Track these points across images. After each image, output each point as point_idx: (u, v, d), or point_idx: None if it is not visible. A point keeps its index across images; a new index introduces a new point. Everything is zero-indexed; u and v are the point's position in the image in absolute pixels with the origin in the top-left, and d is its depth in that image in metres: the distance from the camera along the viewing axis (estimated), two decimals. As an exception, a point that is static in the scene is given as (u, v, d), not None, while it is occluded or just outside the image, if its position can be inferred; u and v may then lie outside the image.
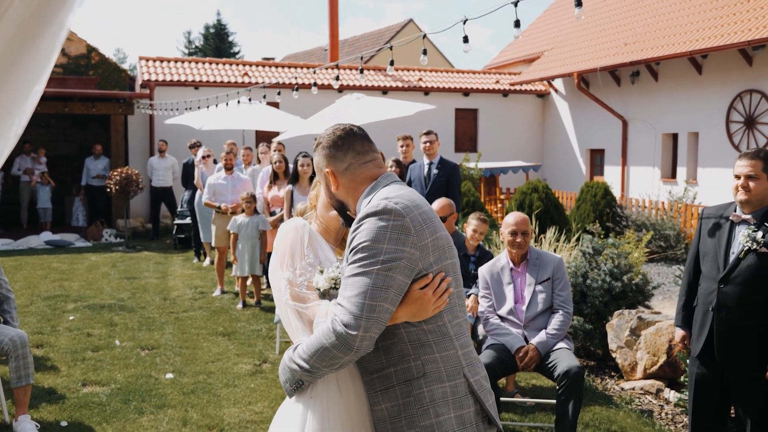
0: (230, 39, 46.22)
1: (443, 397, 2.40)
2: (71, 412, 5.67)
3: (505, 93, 20.92)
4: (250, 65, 20.33)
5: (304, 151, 9.17)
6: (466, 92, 20.56)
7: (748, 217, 4.05)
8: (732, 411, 4.47)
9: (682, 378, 5.76)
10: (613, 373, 6.68)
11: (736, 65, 14.55)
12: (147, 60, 19.23)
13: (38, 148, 17.51)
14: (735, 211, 4.15)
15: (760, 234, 3.96)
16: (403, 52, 22.38)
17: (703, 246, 4.27)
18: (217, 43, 44.98)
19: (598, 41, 18.73)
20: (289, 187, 8.91)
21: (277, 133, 14.99)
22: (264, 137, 16.92)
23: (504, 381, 6.10)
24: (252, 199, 9.36)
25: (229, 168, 10.42)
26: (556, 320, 5.19)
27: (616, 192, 17.20)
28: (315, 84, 10.06)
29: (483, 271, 5.49)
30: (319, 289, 2.59)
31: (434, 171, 8.41)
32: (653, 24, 17.00)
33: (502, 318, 5.34)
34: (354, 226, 2.41)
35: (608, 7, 20.08)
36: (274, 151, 10.57)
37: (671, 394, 5.96)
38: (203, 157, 12.32)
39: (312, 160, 8.93)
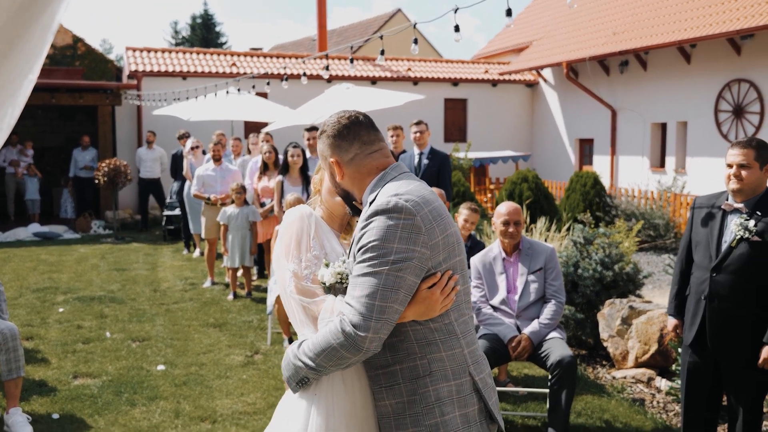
0: (217, 29, 45.94)
1: (449, 396, 2.38)
2: (63, 404, 5.64)
3: (494, 83, 20.91)
4: (238, 55, 20.23)
5: (294, 141, 9.14)
6: (455, 82, 20.53)
7: (740, 206, 4.06)
8: (724, 399, 4.49)
9: (674, 366, 5.80)
10: (604, 362, 6.71)
11: (724, 54, 14.59)
12: (134, 50, 19.09)
13: (25, 140, 17.38)
14: (727, 200, 4.16)
15: (752, 223, 3.97)
16: (392, 42, 22.32)
17: (696, 235, 4.28)
18: (204, 33, 44.70)
19: (586, 31, 18.73)
20: (280, 177, 8.88)
21: (266, 124, 14.93)
22: (253, 128, 16.86)
23: (497, 371, 6.11)
24: (242, 190, 9.33)
25: (217, 159, 10.37)
26: (548, 310, 5.20)
27: (605, 181, 17.24)
28: (305, 74, 10.01)
29: (475, 261, 5.49)
30: (324, 284, 2.55)
31: (425, 161, 8.39)
32: (642, 13, 17.01)
33: (494, 308, 5.34)
34: (362, 223, 2.36)
35: (597, -4, 20.06)
36: (262, 141, 10.54)
37: (662, 383, 5.99)
38: (192, 148, 12.26)
39: (302, 150, 8.95)
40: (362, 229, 2.35)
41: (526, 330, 5.12)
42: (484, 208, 13.68)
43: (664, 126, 16.57)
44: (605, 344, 6.57)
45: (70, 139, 19.49)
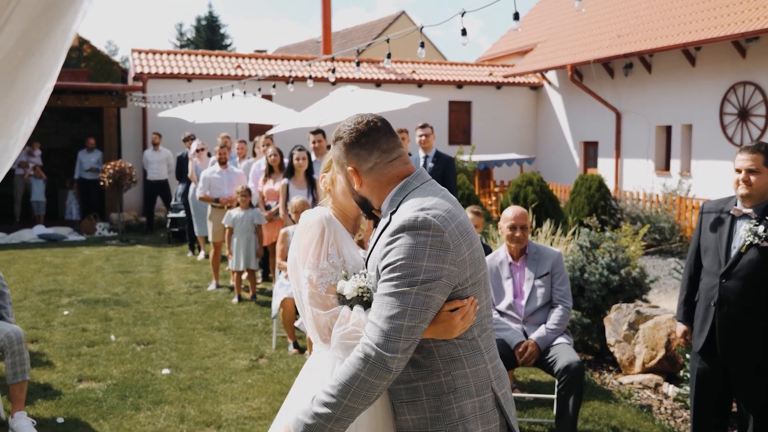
0: (222, 31, 46.03)
1: (472, 413, 2.34)
2: (67, 408, 5.63)
3: (498, 85, 20.89)
4: (243, 57, 20.23)
5: (299, 144, 9.13)
6: (460, 84, 20.51)
7: (749, 211, 4.04)
8: (734, 406, 4.47)
9: (681, 372, 5.77)
10: (611, 368, 6.68)
11: (729, 57, 14.55)
12: (140, 52, 19.11)
13: (32, 141, 17.40)
14: (736, 205, 4.14)
15: (761, 228, 3.95)
16: (397, 45, 22.22)
17: (704, 240, 4.26)
18: (208, 35, 44.79)
19: (591, 33, 18.71)
20: (285, 180, 8.86)
21: (270, 126, 14.93)
22: (258, 130, 16.86)
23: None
24: (247, 192, 9.32)
25: (223, 162, 10.37)
26: (555, 315, 5.17)
27: (610, 185, 17.20)
28: (311, 77, 10.00)
29: (487, 268, 5.46)
30: (345, 296, 2.48)
31: (430, 164, 8.38)
32: (647, 16, 16.98)
33: (501, 313, 5.32)
34: (388, 239, 2.28)
35: (602, -1, 20.04)
36: (263, 145, 10.53)
37: (670, 389, 5.95)
38: (197, 151, 12.26)
39: (307, 153, 8.94)
40: (388, 245, 2.27)
41: (533, 335, 5.09)
42: (488, 211, 13.65)
43: (669, 129, 16.53)
44: (612, 349, 6.54)
45: (75, 140, 19.51)
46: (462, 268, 2.29)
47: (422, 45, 6.62)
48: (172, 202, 15.00)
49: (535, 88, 21.19)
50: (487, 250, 6.31)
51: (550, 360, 4.96)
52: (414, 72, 20.46)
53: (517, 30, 5.32)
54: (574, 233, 9.12)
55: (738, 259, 4.01)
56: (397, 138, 2.49)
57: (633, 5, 18.16)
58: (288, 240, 7.13)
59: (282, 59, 20.67)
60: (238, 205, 9.38)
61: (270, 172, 9.60)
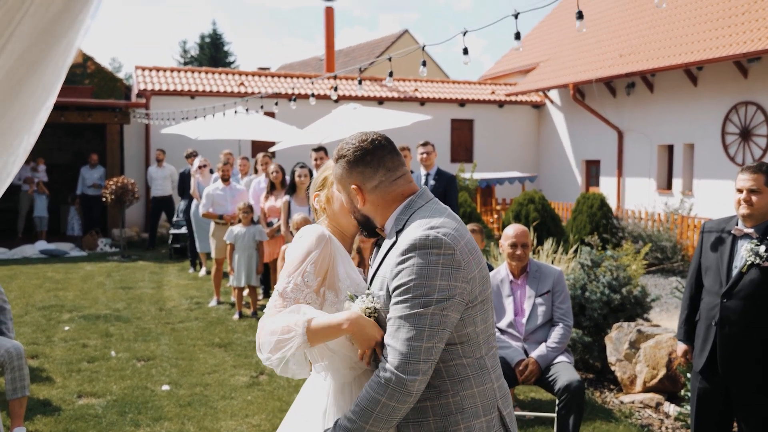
0: (225, 48, 46.21)
1: None
2: (67, 424, 5.61)
3: (500, 104, 20.96)
4: (246, 75, 20.32)
5: (301, 161, 9.15)
6: (462, 103, 20.58)
7: (751, 231, 4.04)
8: (734, 426, 4.44)
9: (682, 392, 5.74)
10: (612, 386, 6.65)
11: (731, 77, 14.60)
12: (143, 69, 19.21)
13: (36, 157, 17.47)
14: (737, 224, 4.14)
15: (762, 248, 3.95)
16: (399, 63, 22.39)
17: (705, 260, 4.26)
18: (212, 53, 44.95)
19: (593, 53, 18.78)
20: (287, 197, 8.88)
21: (273, 143, 14.98)
22: (260, 147, 16.90)
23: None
24: (249, 209, 9.33)
25: (226, 179, 10.40)
26: (556, 333, 5.16)
27: (612, 203, 17.21)
28: (313, 95, 10.05)
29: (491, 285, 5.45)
30: None
31: (431, 182, 8.39)
32: (649, 36, 17.06)
33: (501, 331, 5.31)
34: (398, 258, 2.26)
35: (604, 18, 20.14)
36: (261, 163, 10.56)
37: (671, 408, 5.93)
38: (199, 167, 12.29)
39: (309, 170, 8.96)
40: (399, 264, 2.25)
41: (534, 353, 5.08)
42: (490, 229, 13.65)
43: (671, 148, 16.56)
44: (613, 368, 6.52)
45: (78, 156, 19.58)
46: (473, 286, 2.29)
47: (424, 63, 6.65)
48: (174, 219, 15.02)
49: (538, 106, 21.25)
50: (489, 268, 6.31)
51: (550, 378, 4.95)
52: (416, 90, 20.54)
53: (518, 49, 5.34)
54: (575, 252, 9.11)
55: (739, 279, 4.01)
56: (401, 156, 2.49)
57: (635, 25, 18.25)
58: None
59: (285, 77, 20.76)
60: (239, 221, 9.39)
61: (272, 188, 9.62)
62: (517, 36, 5.17)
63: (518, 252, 5.30)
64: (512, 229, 5.38)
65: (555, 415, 4.87)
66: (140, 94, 17.97)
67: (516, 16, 5.15)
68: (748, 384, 4.01)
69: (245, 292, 9.78)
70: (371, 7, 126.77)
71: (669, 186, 16.56)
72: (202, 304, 10.13)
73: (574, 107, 19.30)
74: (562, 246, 10.49)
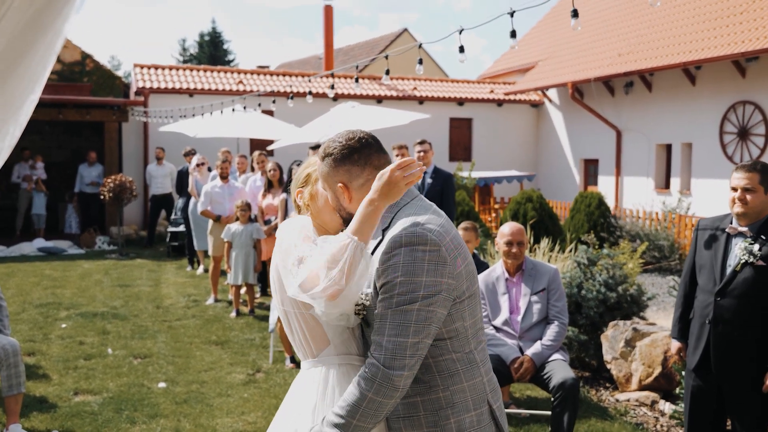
0: (225, 47, 46.21)
1: (470, 427, 2.35)
2: (63, 421, 5.62)
3: (499, 102, 20.96)
4: (245, 73, 20.32)
5: (298, 159, 9.15)
6: (461, 101, 20.59)
7: (745, 229, 4.05)
8: (728, 424, 4.46)
9: (678, 390, 5.76)
10: (607, 385, 6.66)
11: (729, 77, 14.61)
12: (142, 67, 19.20)
13: (34, 154, 17.45)
14: (731, 223, 4.15)
15: (756, 247, 3.95)
16: (398, 62, 22.39)
17: (699, 258, 4.26)
18: (211, 51, 44.95)
19: (592, 52, 18.79)
20: (284, 195, 8.89)
21: (271, 141, 14.97)
22: (258, 145, 16.90)
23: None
24: (247, 207, 9.33)
25: (224, 176, 10.40)
26: (551, 331, 5.17)
27: (610, 202, 17.20)
28: (310, 92, 10.05)
29: (478, 281, 5.46)
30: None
31: (428, 181, 8.39)
32: (647, 35, 17.06)
33: (497, 328, 5.32)
34: (384, 256, 2.27)
35: (602, 17, 20.15)
36: (258, 162, 10.56)
37: (666, 406, 5.94)
38: (197, 165, 12.29)
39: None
40: (385, 262, 2.26)
41: (529, 351, 5.09)
42: (488, 228, 13.65)
43: (669, 147, 16.57)
44: (609, 366, 6.53)
45: (76, 154, 19.56)
46: (459, 281, 2.30)
47: (420, 62, 6.64)
48: (172, 217, 15.02)
49: (536, 105, 21.26)
50: (485, 266, 6.32)
51: (545, 376, 4.96)
52: (415, 89, 20.53)
53: (514, 48, 5.34)
54: (572, 250, 9.13)
55: (733, 277, 4.01)
56: (387, 155, 2.51)
57: (634, 24, 18.25)
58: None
59: (283, 75, 20.75)
60: (237, 219, 9.40)
61: (269, 186, 9.63)
62: (513, 34, 5.17)
63: (514, 250, 5.31)
64: (508, 227, 5.38)
65: (550, 413, 4.88)
66: (139, 92, 17.97)
67: (512, 14, 5.15)
68: (741, 382, 4.02)
69: (242, 290, 9.79)
70: (371, 7, 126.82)
71: (667, 185, 16.57)
72: (199, 302, 10.14)
73: (573, 106, 19.30)
74: (559, 244, 10.51)
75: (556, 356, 5.09)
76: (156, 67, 19.37)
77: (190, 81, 18.80)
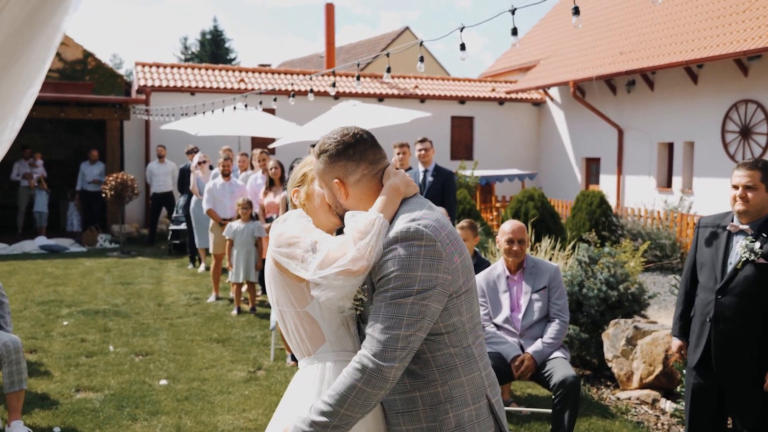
0: (226, 45, 46.20)
1: (469, 421, 2.36)
2: (64, 417, 5.63)
3: (501, 101, 20.95)
4: (247, 71, 20.32)
5: (300, 157, 9.15)
6: (462, 100, 20.58)
7: (746, 227, 4.04)
8: (729, 422, 4.46)
9: (679, 388, 5.75)
10: (608, 383, 6.66)
11: (731, 75, 14.59)
12: (143, 65, 19.20)
13: (34, 152, 17.46)
14: (732, 220, 4.14)
15: (757, 245, 3.95)
16: (399, 60, 22.40)
17: (700, 256, 4.26)
18: (213, 49, 44.95)
19: (593, 50, 18.77)
20: (285, 193, 8.88)
21: (272, 140, 14.97)
22: (260, 143, 16.91)
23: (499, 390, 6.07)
24: (248, 205, 9.34)
25: (226, 174, 10.40)
26: (552, 329, 5.17)
27: (612, 201, 17.20)
28: (311, 91, 10.05)
29: (479, 279, 5.47)
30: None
31: (429, 179, 8.39)
32: (649, 33, 17.05)
33: (497, 326, 5.32)
34: (381, 251, 2.30)
35: (604, 16, 20.13)
36: (258, 160, 10.56)
37: (667, 404, 5.94)
38: (199, 163, 12.30)
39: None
40: (382, 257, 2.29)
41: (530, 349, 5.09)
42: (489, 226, 13.65)
43: (671, 146, 16.56)
44: (610, 365, 6.53)
45: (77, 152, 19.57)
46: (455, 276, 2.32)
47: (421, 59, 6.63)
48: (174, 215, 15.02)
49: (538, 104, 21.24)
50: (485, 264, 6.31)
51: (546, 374, 4.96)
52: (417, 87, 20.52)
53: (515, 45, 5.34)
54: (573, 248, 9.12)
55: (734, 275, 4.01)
56: (382, 150, 2.52)
57: (635, 23, 18.23)
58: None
59: (284, 73, 20.75)
60: (239, 217, 9.40)
61: (270, 184, 9.63)
62: (514, 32, 5.16)
63: (515, 248, 5.31)
64: (509, 225, 5.39)
65: (551, 410, 4.88)
66: (140, 90, 17.97)
67: (513, 11, 5.14)
68: (742, 380, 4.02)
69: (244, 288, 9.80)
70: (372, 5, 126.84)
71: (669, 184, 16.56)
72: (200, 300, 10.15)
73: (575, 105, 19.29)
74: (560, 243, 10.50)
75: (557, 354, 5.09)
76: (158, 66, 19.37)
77: (191, 79, 18.80)
